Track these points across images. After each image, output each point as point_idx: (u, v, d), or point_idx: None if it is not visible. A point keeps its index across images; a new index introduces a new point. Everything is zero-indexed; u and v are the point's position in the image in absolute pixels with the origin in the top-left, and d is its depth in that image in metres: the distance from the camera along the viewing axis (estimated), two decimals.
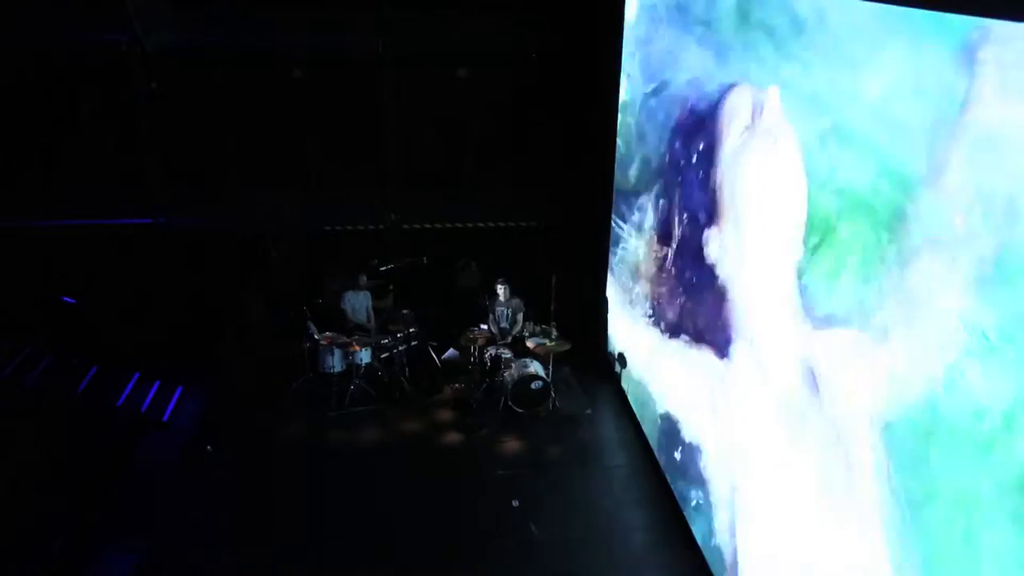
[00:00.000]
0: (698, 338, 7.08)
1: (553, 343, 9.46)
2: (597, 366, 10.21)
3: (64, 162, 10.80)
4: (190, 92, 10.72)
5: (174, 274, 10.79)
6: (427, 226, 11.36)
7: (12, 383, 8.90)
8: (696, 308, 7.10)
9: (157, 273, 10.75)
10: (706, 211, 6.77)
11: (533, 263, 10.42)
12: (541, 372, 9.34)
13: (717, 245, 6.55)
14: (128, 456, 8.70)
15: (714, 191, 6.59)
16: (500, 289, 9.87)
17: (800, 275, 5.25)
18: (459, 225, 11.41)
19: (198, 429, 9.10)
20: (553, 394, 9.38)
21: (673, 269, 7.65)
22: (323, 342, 9.49)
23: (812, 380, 5.12)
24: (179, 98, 10.66)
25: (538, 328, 9.81)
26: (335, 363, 9.53)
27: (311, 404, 9.53)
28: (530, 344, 9.57)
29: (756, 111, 5.80)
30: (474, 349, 9.78)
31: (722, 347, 6.53)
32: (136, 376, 9.88)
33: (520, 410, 9.27)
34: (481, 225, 11.40)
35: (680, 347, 7.52)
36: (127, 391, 9.56)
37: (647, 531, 7.56)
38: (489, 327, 9.96)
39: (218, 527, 7.58)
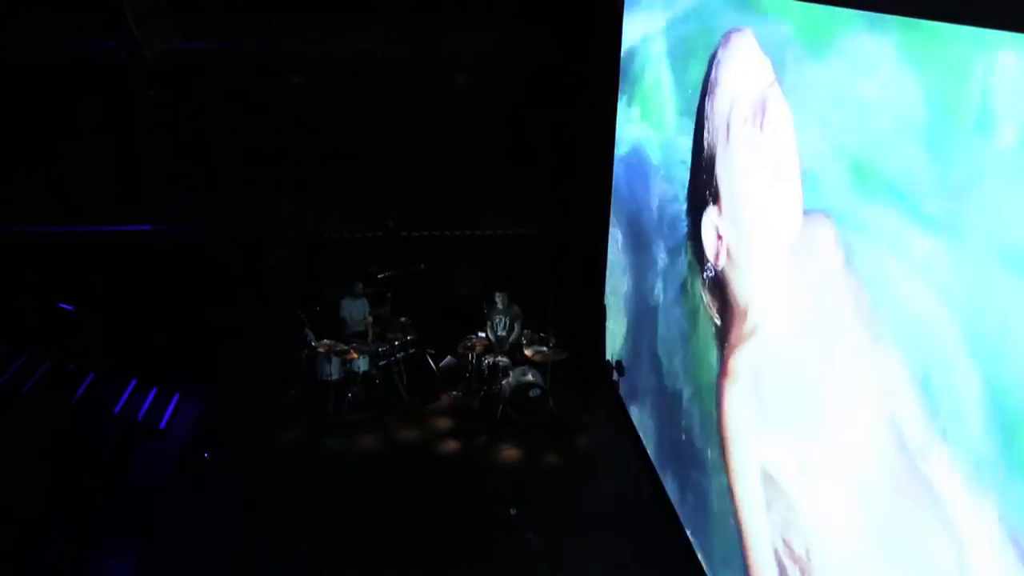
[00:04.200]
0: None
1: (551, 351, 9.47)
2: (595, 374, 10.21)
3: (63, 168, 10.80)
4: (189, 99, 10.73)
5: (172, 281, 10.77)
6: (425, 233, 11.36)
7: (9, 390, 8.88)
8: None
9: (155, 280, 10.73)
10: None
11: (531, 271, 10.42)
12: (539, 380, 9.34)
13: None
14: (125, 463, 8.68)
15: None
16: (498, 297, 9.88)
17: None
18: (457, 232, 11.41)
19: (195, 436, 9.08)
20: (551, 402, 9.37)
21: None
22: (321, 349, 9.49)
23: None
24: (178, 105, 10.67)
25: (536, 336, 9.81)
26: (333, 370, 9.53)
27: (309, 411, 9.52)
28: (528, 352, 9.58)
29: None
30: (472, 357, 9.78)
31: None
32: (133, 383, 9.86)
33: (518, 418, 9.26)
34: (479, 233, 11.40)
35: None
36: (124, 398, 9.54)
37: (645, 539, 7.55)
38: (487, 335, 9.96)
39: (215, 534, 7.56)
